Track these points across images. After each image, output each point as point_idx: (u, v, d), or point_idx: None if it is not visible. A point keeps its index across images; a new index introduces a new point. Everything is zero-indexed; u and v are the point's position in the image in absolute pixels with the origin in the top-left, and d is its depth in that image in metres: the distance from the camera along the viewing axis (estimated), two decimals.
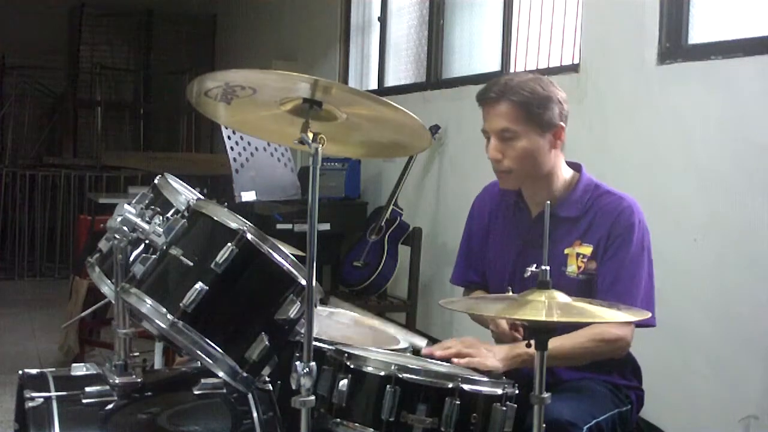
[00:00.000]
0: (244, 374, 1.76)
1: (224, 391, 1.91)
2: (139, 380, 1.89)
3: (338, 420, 1.72)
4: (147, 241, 1.83)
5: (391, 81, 5.40)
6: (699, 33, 2.98)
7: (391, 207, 4.58)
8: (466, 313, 1.78)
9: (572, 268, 2.03)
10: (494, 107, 2.03)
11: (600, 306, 1.69)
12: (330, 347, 1.84)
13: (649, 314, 1.69)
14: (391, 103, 1.64)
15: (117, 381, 1.86)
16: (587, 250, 2.03)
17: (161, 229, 1.81)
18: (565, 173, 2.11)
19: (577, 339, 1.95)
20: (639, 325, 1.93)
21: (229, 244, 1.74)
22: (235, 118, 1.93)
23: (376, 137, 1.86)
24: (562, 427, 1.81)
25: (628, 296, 1.96)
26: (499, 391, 1.73)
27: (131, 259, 1.85)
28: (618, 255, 2.00)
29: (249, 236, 1.75)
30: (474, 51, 4.56)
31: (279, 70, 1.67)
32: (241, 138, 3.78)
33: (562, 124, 2.04)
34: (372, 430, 1.68)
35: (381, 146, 1.94)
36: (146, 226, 1.82)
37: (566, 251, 2.05)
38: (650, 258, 2.05)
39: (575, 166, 2.14)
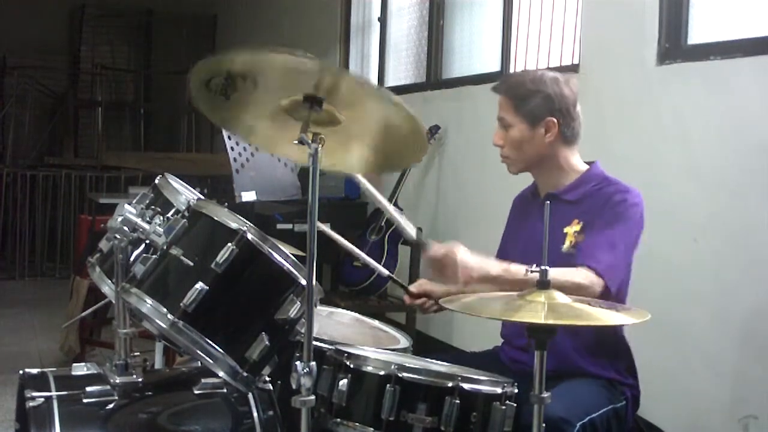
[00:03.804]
0: (245, 374, 1.76)
1: (224, 390, 1.91)
2: (140, 380, 1.90)
3: (338, 420, 1.72)
4: (147, 241, 1.83)
5: (391, 81, 5.40)
6: (698, 33, 2.98)
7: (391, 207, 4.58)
8: (466, 313, 1.78)
9: (567, 245, 2.12)
10: (500, 98, 2.20)
11: (599, 307, 1.69)
12: (330, 347, 1.85)
13: (648, 315, 1.70)
14: (392, 95, 1.65)
15: (117, 381, 1.86)
16: (579, 226, 2.12)
17: (161, 229, 1.81)
18: (576, 165, 2.21)
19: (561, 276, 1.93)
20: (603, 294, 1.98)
21: (230, 244, 1.74)
22: (231, 115, 1.89)
23: (372, 147, 1.84)
24: (555, 423, 1.81)
25: (596, 256, 2.00)
26: (499, 390, 1.74)
27: (132, 259, 1.85)
28: (600, 221, 2.07)
29: (249, 236, 1.76)
30: (474, 51, 4.56)
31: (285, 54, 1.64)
32: None
33: (552, 118, 2.14)
34: (372, 429, 1.69)
35: (377, 160, 1.92)
36: (147, 226, 1.82)
37: (565, 230, 2.13)
38: (632, 237, 2.08)
39: (590, 163, 2.24)
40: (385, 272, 2.42)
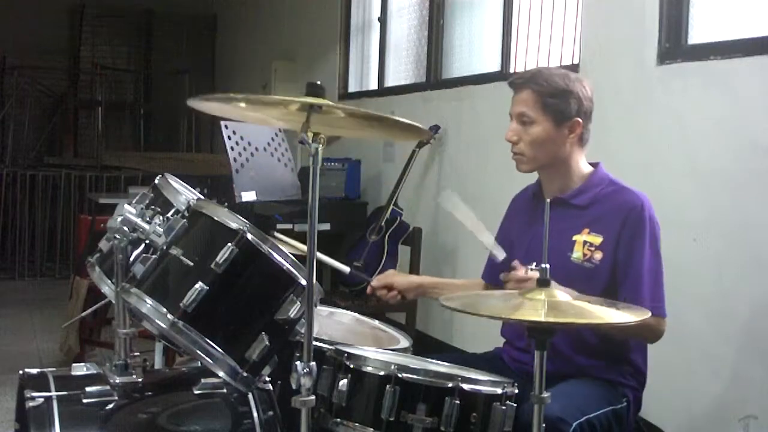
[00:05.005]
0: (245, 374, 1.76)
1: (224, 391, 1.91)
2: (140, 380, 1.90)
3: (338, 420, 1.72)
4: (147, 241, 1.83)
5: (391, 81, 5.40)
6: (698, 33, 2.98)
7: (391, 207, 4.58)
8: (466, 312, 1.78)
9: (577, 254, 2.10)
10: (519, 92, 2.15)
11: (599, 305, 1.69)
12: (330, 347, 1.85)
13: (649, 313, 1.70)
14: (387, 115, 1.66)
15: (117, 381, 1.86)
16: (596, 240, 2.09)
17: (161, 229, 1.81)
18: (583, 167, 2.20)
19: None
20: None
21: (229, 244, 1.74)
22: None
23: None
24: (551, 422, 1.80)
25: (635, 289, 2.05)
26: (499, 391, 1.74)
27: (131, 259, 1.85)
28: (629, 252, 2.07)
29: (249, 236, 1.76)
30: (474, 51, 4.56)
31: (276, 98, 1.66)
32: (242, 138, 3.79)
33: (578, 119, 2.13)
34: (372, 429, 1.69)
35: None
36: (146, 226, 1.82)
37: (574, 237, 2.11)
38: (658, 252, 2.11)
39: (594, 164, 2.23)
40: (346, 269, 2.44)
